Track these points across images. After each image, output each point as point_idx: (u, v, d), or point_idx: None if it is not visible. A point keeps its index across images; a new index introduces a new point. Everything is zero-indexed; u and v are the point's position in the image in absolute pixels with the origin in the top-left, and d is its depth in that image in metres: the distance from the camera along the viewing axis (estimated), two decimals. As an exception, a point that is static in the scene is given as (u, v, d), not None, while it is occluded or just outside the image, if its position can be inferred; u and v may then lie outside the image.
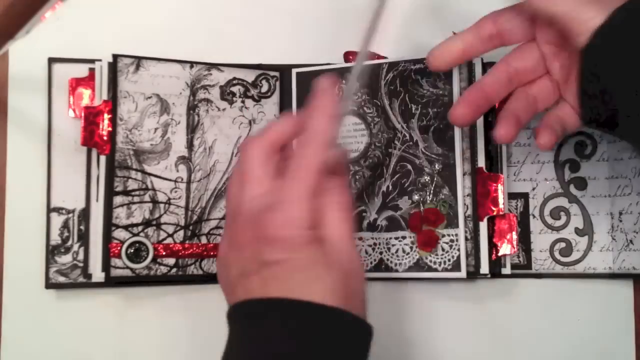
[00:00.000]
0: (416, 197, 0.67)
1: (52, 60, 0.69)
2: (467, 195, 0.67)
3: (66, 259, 0.68)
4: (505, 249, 0.68)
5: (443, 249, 0.66)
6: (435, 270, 0.66)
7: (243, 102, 0.71)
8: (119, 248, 0.66)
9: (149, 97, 0.68)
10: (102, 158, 0.67)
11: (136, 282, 0.68)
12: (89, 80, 0.69)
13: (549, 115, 0.60)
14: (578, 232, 0.69)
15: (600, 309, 0.71)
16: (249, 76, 0.72)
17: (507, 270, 0.68)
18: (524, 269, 0.70)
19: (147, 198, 0.67)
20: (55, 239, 0.68)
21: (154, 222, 0.67)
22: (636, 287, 0.71)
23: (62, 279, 0.68)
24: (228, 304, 0.52)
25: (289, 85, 0.72)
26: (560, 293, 0.71)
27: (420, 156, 0.68)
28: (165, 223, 0.68)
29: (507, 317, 0.71)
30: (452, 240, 0.66)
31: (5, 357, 0.67)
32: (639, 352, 0.70)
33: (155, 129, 0.68)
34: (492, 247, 0.67)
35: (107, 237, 0.66)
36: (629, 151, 0.68)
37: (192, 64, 0.70)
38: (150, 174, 0.67)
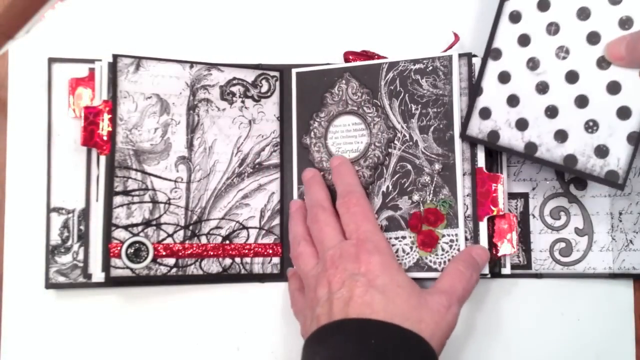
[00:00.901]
0: (416, 197, 0.67)
1: (52, 60, 0.69)
2: (467, 195, 0.67)
3: (66, 259, 0.68)
4: (505, 249, 0.68)
5: (443, 249, 0.66)
6: (435, 270, 0.66)
7: (243, 102, 0.71)
8: (119, 248, 0.66)
9: (149, 97, 0.68)
10: (102, 158, 0.67)
11: (136, 282, 0.68)
12: (89, 80, 0.69)
13: None
14: (578, 232, 0.69)
15: (600, 309, 0.71)
16: (249, 76, 0.72)
17: (507, 270, 0.68)
18: (524, 269, 0.70)
19: (147, 198, 0.67)
20: (55, 239, 0.68)
21: (154, 222, 0.67)
22: (636, 287, 0.71)
23: (62, 279, 0.68)
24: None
25: (289, 85, 0.72)
26: (560, 293, 0.71)
27: (420, 156, 0.68)
28: (165, 223, 0.68)
29: (507, 317, 0.71)
30: (452, 240, 0.66)
31: (5, 357, 0.67)
32: (639, 352, 0.70)
33: (155, 129, 0.68)
34: (492, 247, 0.67)
35: (107, 237, 0.66)
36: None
37: (192, 64, 0.70)
38: (150, 174, 0.67)
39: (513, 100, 0.65)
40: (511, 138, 0.65)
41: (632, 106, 0.60)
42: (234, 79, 0.71)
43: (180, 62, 0.69)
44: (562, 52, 0.63)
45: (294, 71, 0.72)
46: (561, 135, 0.63)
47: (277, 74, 0.72)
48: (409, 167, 0.68)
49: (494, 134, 0.65)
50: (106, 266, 0.66)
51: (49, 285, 0.68)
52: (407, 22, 0.74)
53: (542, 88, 0.64)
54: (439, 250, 0.66)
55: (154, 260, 0.67)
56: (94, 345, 0.69)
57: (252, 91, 0.71)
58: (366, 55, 0.72)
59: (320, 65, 0.72)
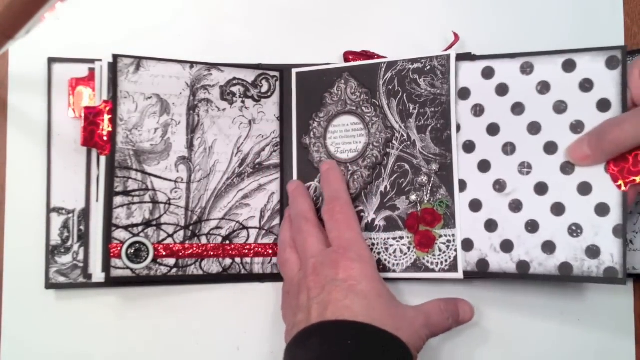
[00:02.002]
0: (413, 197, 0.67)
1: (52, 60, 0.69)
2: (466, 196, 0.67)
3: (66, 259, 0.68)
4: (504, 249, 0.68)
5: (440, 250, 0.66)
6: (433, 271, 0.66)
7: (243, 102, 0.71)
8: (119, 248, 0.66)
9: (149, 98, 0.68)
10: (102, 158, 0.67)
11: (136, 282, 0.68)
12: (89, 80, 0.69)
13: None
14: (578, 232, 0.69)
15: (600, 309, 0.70)
16: (249, 76, 0.72)
17: (507, 270, 0.68)
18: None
19: (147, 198, 0.67)
20: (55, 239, 0.68)
21: (154, 223, 0.67)
22: (636, 287, 0.71)
23: (62, 279, 0.68)
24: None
25: (289, 85, 0.72)
26: (561, 293, 0.71)
27: (417, 156, 0.67)
28: (165, 223, 0.68)
29: (507, 317, 0.71)
30: (448, 241, 0.66)
31: (5, 357, 0.67)
32: (639, 352, 0.70)
33: (156, 129, 0.68)
34: (492, 247, 0.67)
35: (107, 238, 0.66)
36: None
37: (192, 64, 0.70)
38: (150, 174, 0.67)
39: (491, 225, 0.66)
40: (500, 262, 0.65)
41: (607, 201, 0.62)
42: (234, 79, 0.71)
43: (180, 62, 0.69)
44: (524, 167, 0.65)
45: (294, 71, 0.72)
46: (549, 247, 0.64)
47: (277, 74, 0.72)
48: (407, 167, 0.68)
49: (482, 263, 0.66)
50: (106, 266, 0.66)
51: (49, 285, 0.68)
52: (407, 22, 0.74)
53: (516, 206, 0.65)
54: (436, 250, 0.66)
55: (154, 261, 0.67)
56: (94, 345, 0.69)
57: (252, 91, 0.71)
58: (366, 55, 0.72)
59: (320, 65, 0.72)
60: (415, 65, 0.68)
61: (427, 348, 0.63)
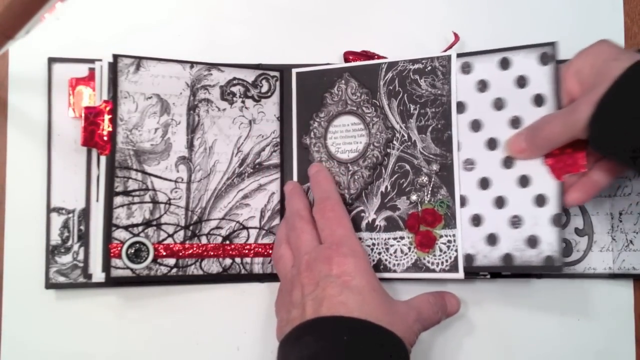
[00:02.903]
0: (414, 198, 0.67)
1: (52, 60, 0.69)
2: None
3: (66, 259, 0.68)
4: (504, 249, 0.68)
5: (441, 250, 0.66)
6: (433, 271, 0.66)
7: (243, 102, 0.71)
8: (119, 248, 0.66)
9: (149, 97, 0.68)
10: (102, 158, 0.67)
11: (136, 282, 0.68)
12: (89, 80, 0.69)
13: (584, 177, 0.64)
14: (578, 232, 0.69)
15: (600, 309, 0.71)
16: (249, 76, 0.71)
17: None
18: (524, 269, 0.70)
19: (147, 198, 0.67)
20: (55, 239, 0.68)
21: (154, 223, 0.67)
22: (636, 287, 0.71)
23: (62, 279, 0.68)
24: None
25: (289, 85, 0.72)
26: (561, 293, 0.71)
27: (418, 156, 0.67)
28: (165, 223, 0.68)
29: (507, 317, 0.71)
30: (449, 241, 0.66)
31: (5, 357, 0.67)
32: (639, 352, 0.70)
33: (156, 129, 0.68)
34: (492, 247, 0.67)
35: (108, 238, 0.66)
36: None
37: (192, 64, 0.70)
38: (150, 174, 0.67)
39: None
40: None
41: (545, 192, 0.64)
42: (234, 79, 0.71)
43: (180, 62, 0.69)
44: (468, 164, 0.67)
45: (294, 71, 0.72)
46: (492, 239, 0.65)
47: (277, 74, 0.72)
48: (407, 167, 0.68)
49: None
50: (106, 266, 0.66)
51: (49, 285, 0.68)
52: (407, 22, 0.74)
53: (462, 201, 0.67)
54: (437, 250, 0.66)
55: (154, 261, 0.67)
56: (94, 345, 0.69)
57: (252, 91, 0.71)
58: (366, 55, 0.71)
59: (320, 65, 0.72)
60: (416, 66, 0.68)
61: (419, 342, 0.63)
